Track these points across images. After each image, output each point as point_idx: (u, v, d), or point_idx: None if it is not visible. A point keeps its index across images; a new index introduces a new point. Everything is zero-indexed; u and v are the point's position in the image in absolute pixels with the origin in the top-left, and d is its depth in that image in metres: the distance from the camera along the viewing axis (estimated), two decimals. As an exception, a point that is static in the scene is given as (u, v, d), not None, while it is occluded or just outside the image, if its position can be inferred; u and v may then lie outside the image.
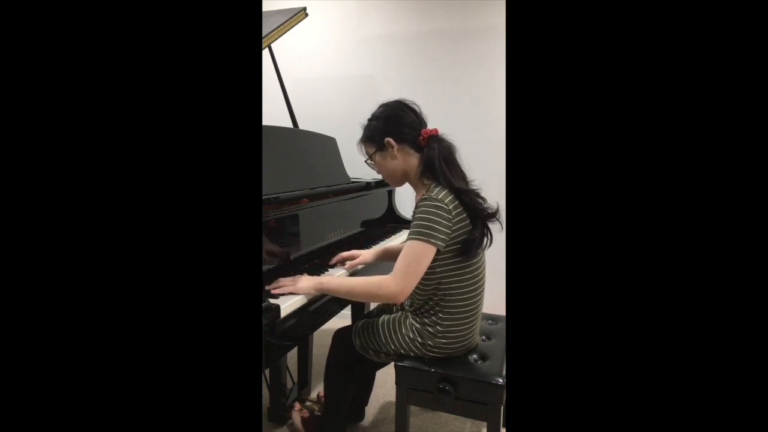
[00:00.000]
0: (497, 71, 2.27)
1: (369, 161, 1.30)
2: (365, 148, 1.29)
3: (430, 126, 1.25)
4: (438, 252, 1.13)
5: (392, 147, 1.21)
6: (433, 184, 1.17)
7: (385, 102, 1.27)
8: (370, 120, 1.27)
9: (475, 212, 1.15)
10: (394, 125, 1.22)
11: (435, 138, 1.20)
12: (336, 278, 1.22)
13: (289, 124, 1.96)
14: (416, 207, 1.16)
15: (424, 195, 1.16)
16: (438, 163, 1.16)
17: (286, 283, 1.15)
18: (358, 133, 1.30)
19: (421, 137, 1.21)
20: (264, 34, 1.63)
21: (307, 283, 1.16)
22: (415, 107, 1.25)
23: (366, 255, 1.45)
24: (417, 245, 1.11)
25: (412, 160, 1.23)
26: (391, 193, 2.04)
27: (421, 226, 1.11)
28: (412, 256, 1.11)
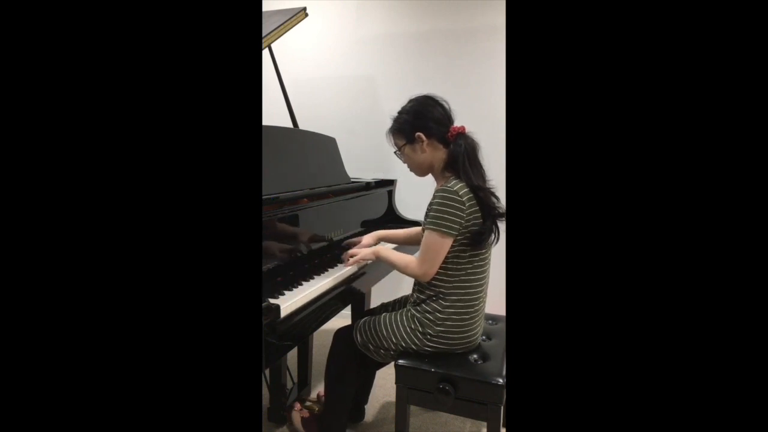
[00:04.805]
0: (497, 71, 2.27)
1: (397, 152, 1.35)
2: (394, 139, 1.34)
3: None
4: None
5: (422, 141, 1.26)
6: (452, 177, 1.23)
7: (414, 96, 1.31)
8: (399, 113, 1.32)
9: (488, 209, 1.19)
10: (423, 120, 1.26)
11: (462, 135, 1.25)
12: (387, 249, 1.38)
13: (289, 124, 1.96)
14: (433, 197, 1.22)
15: (441, 186, 1.22)
16: (462, 159, 1.22)
17: (355, 251, 1.38)
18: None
19: (449, 133, 1.25)
20: (264, 34, 1.63)
21: (367, 251, 1.38)
22: (444, 103, 1.30)
23: (366, 249, 1.43)
24: (433, 235, 1.18)
25: (439, 154, 1.28)
26: (391, 193, 2.04)
27: (435, 217, 1.18)
28: (429, 245, 1.20)
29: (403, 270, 1.27)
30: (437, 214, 1.17)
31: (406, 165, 1.36)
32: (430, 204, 1.22)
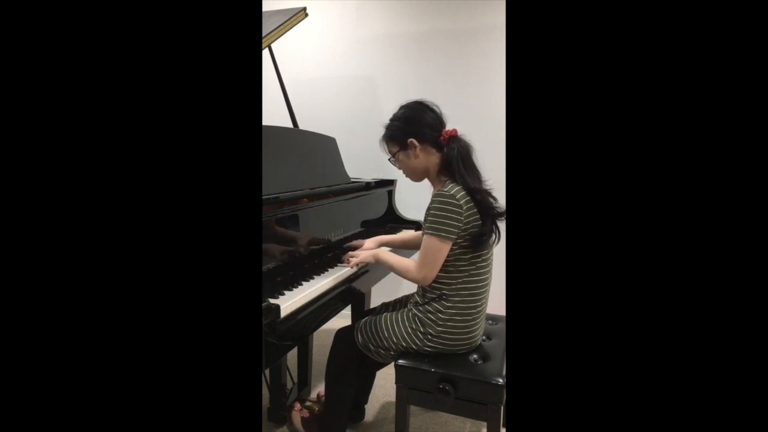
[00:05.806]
0: (497, 71, 2.27)
1: (392, 159, 1.35)
2: (388, 146, 1.35)
3: None
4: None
5: (415, 147, 1.27)
6: (448, 180, 1.23)
7: (405, 103, 1.32)
8: (391, 120, 1.33)
9: (486, 210, 1.20)
10: (416, 126, 1.27)
11: (455, 138, 1.26)
12: (387, 253, 1.37)
13: (289, 124, 1.96)
14: (431, 201, 1.23)
15: (438, 190, 1.23)
16: (456, 162, 1.23)
17: (356, 254, 1.38)
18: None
19: (441, 137, 1.26)
20: (264, 34, 1.63)
21: (368, 254, 1.37)
22: (435, 107, 1.31)
23: (367, 251, 1.44)
24: (432, 240, 1.19)
25: (432, 158, 1.29)
26: (391, 193, 2.04)
27: (433, 222, 1.19)
28: (427, 250, 1.21)
29: (403, 274, 1.28)
30: (435, 219, 1.18)
31: (401, 171, 1.36)
32: (428, 209, 1.23)
